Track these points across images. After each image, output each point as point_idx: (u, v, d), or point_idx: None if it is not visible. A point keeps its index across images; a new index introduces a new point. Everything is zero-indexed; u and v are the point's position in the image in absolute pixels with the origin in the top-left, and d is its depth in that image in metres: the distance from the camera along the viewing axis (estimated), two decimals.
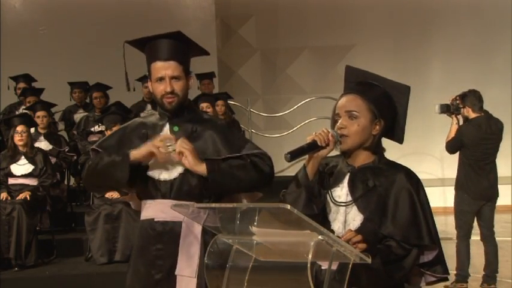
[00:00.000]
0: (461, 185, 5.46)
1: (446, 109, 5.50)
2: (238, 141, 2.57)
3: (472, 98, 5.42)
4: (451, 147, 5.51)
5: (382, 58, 10.33)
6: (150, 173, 2.49)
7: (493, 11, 10.63)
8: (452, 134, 5.50)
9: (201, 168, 2.39)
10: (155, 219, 2.49)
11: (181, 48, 2.51)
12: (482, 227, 5.45)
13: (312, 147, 2.06)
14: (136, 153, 2.42)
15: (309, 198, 2.06)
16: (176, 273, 2.43)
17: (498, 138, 5.47)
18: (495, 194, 5.46)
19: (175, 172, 2.47)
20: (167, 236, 2.47)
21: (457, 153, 5.54)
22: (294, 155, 2.01)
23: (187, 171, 2.45)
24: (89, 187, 2.63)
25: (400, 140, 2.22)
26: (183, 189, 2.46)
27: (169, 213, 2.35)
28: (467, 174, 5.41)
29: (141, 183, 2.52)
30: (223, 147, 2.49)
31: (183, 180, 2.47)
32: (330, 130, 2.09)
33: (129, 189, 2.61)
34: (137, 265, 2.53)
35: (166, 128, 2.54)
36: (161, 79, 2.46)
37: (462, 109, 5.46)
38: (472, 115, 5.42)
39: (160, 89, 2.47)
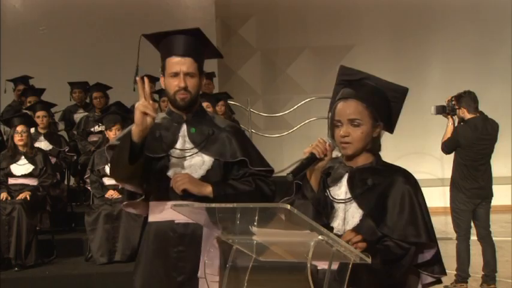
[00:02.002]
0: (456, 184, 5.47)
1: (442, 110, 5.52)
2: (249, 148, 2.58)
3: (467, 99, 5.44)
4: (447, 147, 5.52)
5: (381, 58, 10.34)
6: (170, 174, 2.47)
7: (493, 11, 10.64)
8: (448, 135, 5.53)
9: (207, 191, 2.41)
10: (176, 221, 2.46)
11: (198, 46, 2.50)
12: (479, 227, 5.46)
13: (311, 161, 2.06)
14: (134, 129, 2.33)
15: (317, 210, 2.08)
16: (199, 275, 2.41)
17: (494, 139, 5.49)
18: (490, 194, 5.48)
19: (195, 174, 2.46)
20: (189, 238, 2.45)
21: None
22: (295, 173, 2.02)
23: (207, 174, 2.47)
24: (121, 182, 2.60)
25: (391, 131, 2.22)
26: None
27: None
28: (462, 174, 5.43)
29: (156, 184, 2.49)
30: (239, 150, 2.50)
31: (205, 182, 2.46)
32: (326, 140, 2.10)
33: (140, 187, 2.54)
34: (155, 267, 2.49)
35: (184, 129, 2.53)
36: (176, 74, 2.45)
37: (458, 110, 5.48)
38: (468, 116, 5.44)
39: (174, 84, 2.45)
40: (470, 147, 5.39)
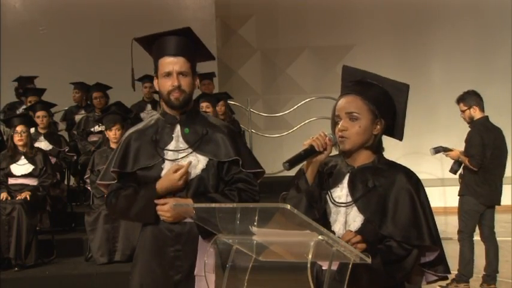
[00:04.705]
0: (471, 189, 5.39)
1: (441, 149, 5.52)
2: (243, 149, 2.58)
3: (475, 97, 5.39)
4: (479, 156, 5.28)
5: (382, 58, 10.33)
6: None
7: (493, 11, 10.63)
8: (457, 154, 5.42)
9: (190, 214, 2.37)
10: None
11: (190, 45, 2.51)
12: (484, 226, 5.44)
13: (309, 153, 2.05)
14: (163, 188, 2.45)
15: (309, 203, 2.06)
16: (195, 273, 2.42)
17: (504, 140, 5.45)
18: (500, 196, 5.46)
19: (192, 173, 2.47)
20: (185, 237, 2.46)
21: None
22: (292, 163, 2.01)
23: (202, 173, 2.47)
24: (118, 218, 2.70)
25: (400, 137, 2.21)
26: (199, 190, 2.46)
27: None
28: (477, 179, 5.35)
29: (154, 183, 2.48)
30: (233, 150, 2.50)
31: (200, 182, 2.47)
32: (327, 134, 2.09)
33: None
34: (152, 266, 2.50)
35: (177, 129, 2.53)
36: (168, 74, 2.46)
37: (467, 110, 5.41)
38: (479, 115, 5.39)
39: (167, 84, 2.46)
40: (488, 146, 5.31)
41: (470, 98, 5.39)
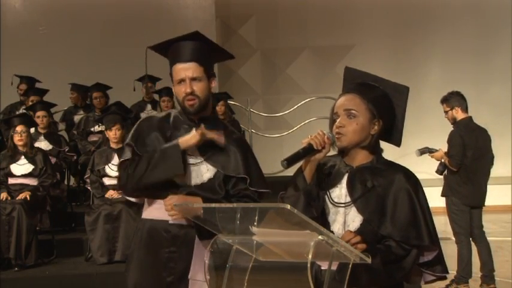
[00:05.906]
0: (453, 190, 5.41)
1: (426, 150, 5.57)
2: (252, 166, 2.57)
3: (458, 98, 5.44)
4: (458, 156, 5.34)
5: (381, 58, 10.34)
6: (175, 178, 2.45)
7: (493, 11, 10.64)
8: (441, 155, 5.47)
9: (193, 213, 2.32)
10: (170, 222, 2.47)
11: (201, 49, 2.50)
12: (473, 227, 5.44)
13: (307, 152, 2.05)
14: (185, 143, 2.42)
15: (307, 202, 2.06)
16: (189, 277, 2.43)
17: (489, 140, 5.47)
18: (485, 195, 5.47)
19: (197, 180, 2.48)
20: (181, 239, 2.46)
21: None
22: (290, 161, 2.01)
23: (208, 181, 2.47)
24: (138, 192, 2.58)
25: (397, 143, 2.21)
26: (201, 194, 2.46)
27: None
28: (459, 179, 5.37)
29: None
30: (242, 167, 2.51)
31: (204, 187, 2.47)
32: (325, 132, 2.09)
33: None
34: (146, 265, 2.50)
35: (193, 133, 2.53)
36: (182, 81, 2.46)
37: (449, 111, 5.46)
38: (462, 115, 5.43)
39: (181, 91, 2.46)
40: (469, 146, 5.36)
41: (453, 99, 5.44)
